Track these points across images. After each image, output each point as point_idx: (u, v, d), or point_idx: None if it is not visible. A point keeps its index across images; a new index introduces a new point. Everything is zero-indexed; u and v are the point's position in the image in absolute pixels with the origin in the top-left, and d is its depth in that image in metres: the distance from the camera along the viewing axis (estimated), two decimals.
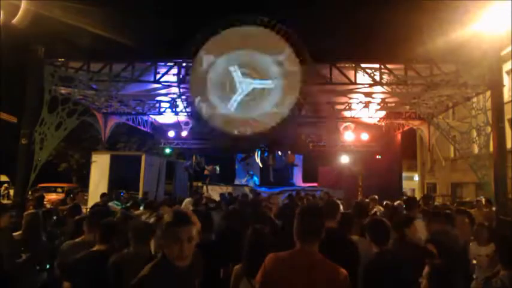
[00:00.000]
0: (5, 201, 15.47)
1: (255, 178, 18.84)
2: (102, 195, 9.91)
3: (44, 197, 8.56)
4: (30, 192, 11.02)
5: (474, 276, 4.17)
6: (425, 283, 2.22)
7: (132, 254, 3.11)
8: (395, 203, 8.32)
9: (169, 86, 11.30)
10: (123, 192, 12.45)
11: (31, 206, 7.36)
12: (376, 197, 8.83)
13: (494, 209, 7.78)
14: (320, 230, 2.40)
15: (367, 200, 8.77)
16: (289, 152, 16.12)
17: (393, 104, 11.99)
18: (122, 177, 13.74)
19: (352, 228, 3.99)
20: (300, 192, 11.60)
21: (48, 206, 9.21)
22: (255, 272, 2.59)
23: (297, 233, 2.41)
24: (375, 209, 7.82)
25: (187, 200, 9.06)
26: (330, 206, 3.91)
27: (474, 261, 4.41)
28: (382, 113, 13.20)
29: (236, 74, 10.45)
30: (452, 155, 23.49)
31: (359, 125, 14.27)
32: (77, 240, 3.76)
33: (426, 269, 2.25)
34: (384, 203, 8.27)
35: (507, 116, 11.40)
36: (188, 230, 2.19)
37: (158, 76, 10.30)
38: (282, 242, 2.71)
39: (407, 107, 11.51)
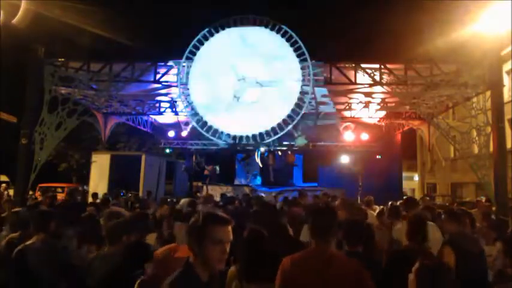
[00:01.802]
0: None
1: (259, 178, 18.84)
2: (94, 196, 9.76)
3: (56, 198, 8.70)
4: (30, 192, 11.03)
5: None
6: (412, 278, 2.23)
7: (105, 254, 3.13)
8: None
9: (169, 86, 11.31)
10: (123, 192, 12.45)
11: (45, 206, 7.39)
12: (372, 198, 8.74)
13: (494, 208, 7.75)
14: (333, 228, 2.45)
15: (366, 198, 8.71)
16: (289, 152, 16.10)
17: (393, 104, 12.00)
18: (122, 177, 13.74)
19: None
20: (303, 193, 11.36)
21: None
22: (250, 274, 2.56)
23: (311, 232, 2.46)
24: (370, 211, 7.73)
25: (184, 200, 9.04)
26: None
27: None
28: (382, 113, 13.21)
29: (236, 74, 10.45)
30: (452, 155, 23.47)
31: (359, 125, 14.28)
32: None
33: (416, 266, 2.27)
34: (390, 203, 8.15)
35: (507, 116, 11.41)
36: (230, 230, 1.96)
37: (158, 76, 10.31)
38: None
39: (407, 107, 11.51)
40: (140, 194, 12.97)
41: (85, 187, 17.25)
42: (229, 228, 1.95)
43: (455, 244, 3.51)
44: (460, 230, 3.87)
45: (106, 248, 3.23)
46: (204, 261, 1.90)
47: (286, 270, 2.35)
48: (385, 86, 9.69)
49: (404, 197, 9.74)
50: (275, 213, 5.08)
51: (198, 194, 13.96)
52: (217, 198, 10.89)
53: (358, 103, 12.33)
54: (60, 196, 14.16)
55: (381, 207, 7.61)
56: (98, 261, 3.10)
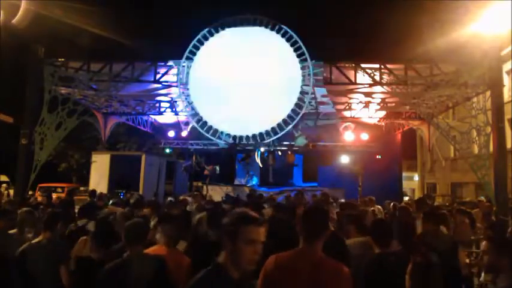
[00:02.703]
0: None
1: (255, 178, 18.82)
2: (91, 195, 9.56)
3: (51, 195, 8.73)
4: (30, 192, 11.03)
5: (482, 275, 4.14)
6: (407, 279, 2.23)
7: (129, 259, 2.90)
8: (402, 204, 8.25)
9: (169, 86, 11.31)
10: (123, 193, 12.44)
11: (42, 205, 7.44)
12: (373, 198, 8.79)
13: (494, 208, 7.76)
14: (322, 230, 2.40)
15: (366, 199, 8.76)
16: (289, 152, 16.10)
17: (393, 104, 11.99)
18: (122, 177, 13.74)
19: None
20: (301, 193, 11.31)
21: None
22: None
23: (300, 232, 2.41)
24: (372, 208, 7.78)
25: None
26: None
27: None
28: (382, 113, 13.20)
29: (236, 74, 10.44)
30: (452, 155, 23.48)
31: (359, 125, 14.27)
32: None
33: (410, 266, 2.26)
34: (392, 203, 8.19)
35: (507, 116, 11.40)
36: (263, 231, 1.95)
37: (158, 76, 10.31)
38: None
39: (407, 107, 11.51)
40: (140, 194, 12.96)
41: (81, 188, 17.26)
42: (263, 229, 1.95)
43: (425, 242, 3.54)
44: (434, 229, 3.96)
45: (127, 251, 2.96)
46: (235, 261, 1.91)
47: (269, 270, 2.28)
48: (385, 86, 9.69)
49: (406, 198, 9.77)
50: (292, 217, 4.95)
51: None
52: (218, 198, 10.89)
53: (358, 103, 12.33)
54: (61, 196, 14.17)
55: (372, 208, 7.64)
56: (134, 264, 2.87)
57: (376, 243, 3.11)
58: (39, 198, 10.25)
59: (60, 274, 3.42)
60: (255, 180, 18.74)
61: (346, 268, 2.29)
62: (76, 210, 6.09)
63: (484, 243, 2.91)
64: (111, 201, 7.91)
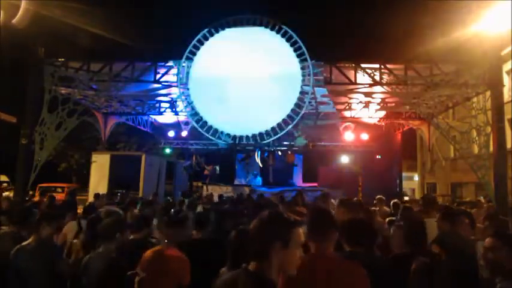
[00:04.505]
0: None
1: (259, 178, 18.82)
2: (97, 197, 9.65)
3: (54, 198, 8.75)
4: (30, 192, 11.03)
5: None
6: (414, 283, 2.21)
7: (100, 253, 3.07)
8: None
9: (169, 86, 11.31)
10: (122, 192, 12.42)
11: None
12: (383, 197, 8.73)
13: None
14: (331, 230, 2.38)
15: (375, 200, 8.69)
16: (289, 152, 16.11)
17: (393, 104, 12.00)
18: (122, 177, 13.72)
19: None
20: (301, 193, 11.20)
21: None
22: None
23: (309, 235, 2.37)
24: (373, 208, 7.74)
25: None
26: None
27: (481, 262, 4.32)
28: (382, 113, 13.21)
29: (236, 74, 10.44)
30: (452, 155, 23.46)
31: (359, 125, 14.28)
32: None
33: (413, 267, 2.24)
34: (392, 202, 8.15)
35: (507, 116, 11.40)
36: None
37: (158, 76, 10.31)
38: None
39: (407, 107, 11.51)
40: (140, 194, 12.95)
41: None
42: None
43: (445, 242, 3.49)
44: (453, 229, 3.84)
45: (101, 246, 3.15)
46: (283, 266, 1.84)
47: (290, 278, 2.29)
48: (385, 86, 9.69)
49: (406, 198, 9.74)
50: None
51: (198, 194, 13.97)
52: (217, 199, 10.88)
53: (358, 103, 12.33)
54: (60, 196, 14.17)
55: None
56: (93, 260, 3.06)
57: (345, 242, 3.00)
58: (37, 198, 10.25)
59: (58, 270, 3.44)
60: (258, 180, 18.74)
61: (362, 270, 2.25)
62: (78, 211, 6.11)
63: (487, 239, 2.88)
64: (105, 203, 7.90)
